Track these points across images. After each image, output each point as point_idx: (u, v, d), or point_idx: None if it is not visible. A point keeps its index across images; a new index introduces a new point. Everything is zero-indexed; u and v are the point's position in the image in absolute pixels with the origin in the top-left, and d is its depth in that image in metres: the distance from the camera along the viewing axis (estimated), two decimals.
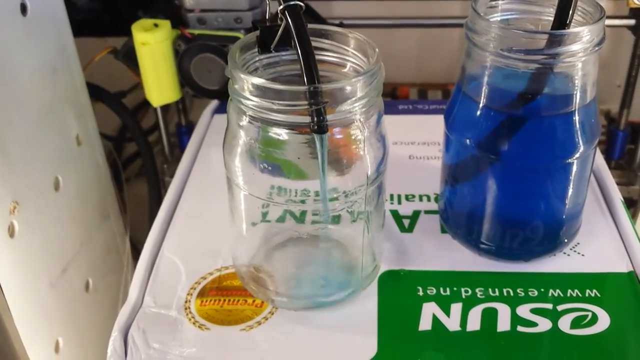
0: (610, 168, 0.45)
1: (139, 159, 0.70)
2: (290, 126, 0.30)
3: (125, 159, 0.70)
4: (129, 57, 0.50)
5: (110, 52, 0.52)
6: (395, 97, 0.67)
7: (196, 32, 0.49)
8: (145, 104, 0.68)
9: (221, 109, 0.51)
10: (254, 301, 0.35)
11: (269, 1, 0.35)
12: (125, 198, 0.62)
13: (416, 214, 0.40)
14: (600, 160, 0.44)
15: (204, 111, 0.50)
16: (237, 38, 0.49)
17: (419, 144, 0.46)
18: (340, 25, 0.53)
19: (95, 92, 0.54)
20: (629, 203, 0.60)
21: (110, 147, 0.64)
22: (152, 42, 0.48)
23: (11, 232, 0.41)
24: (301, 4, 0.31)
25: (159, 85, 0.50)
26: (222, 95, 0.51)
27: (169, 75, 0.50)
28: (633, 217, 0.56)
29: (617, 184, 0.43)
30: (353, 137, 0.31)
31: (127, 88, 0.64)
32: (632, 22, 0.54)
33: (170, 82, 0.50)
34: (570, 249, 0.37)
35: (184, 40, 0.49)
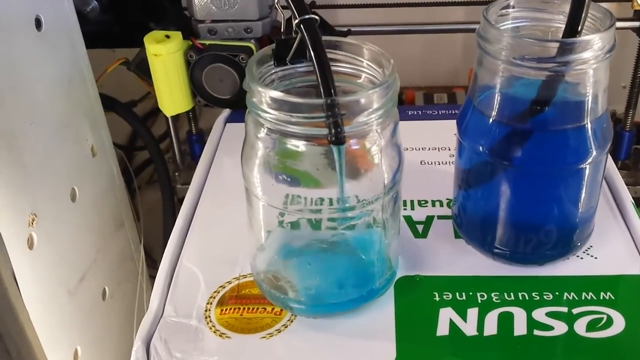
0: (617, 168, 0.46)
1: (149, 166, 0.71)
2: (308, 138, 0.30)
3: (135, 167, 0.70)
4: (141, 67, 0.51)
5: (123, 63, 0.53)
6: (401, 101, 0.68)
7: (207, 42, 0.50)
8: (155, 111, 0.69)
9: (233, 118, 0.51)
10: (273, 309, 0.35)
11: (284, 14, 0.36)
12: (138, 206, 0.62)
13: (429, 220, 0.41)
14: (610, 162, 0.44)
15: (216, 120, 0.51)
16: (248, 47, 0.49)
17: (430, 150, 0.47)
18: (348, 32, 0.54)
19: (108, 103, 0.54)
20: (636, 202, 0.60)
21: (121, 155, 0.64)
22: (164, 53, 0.48)
23: (30, 244, 0.42)
24: (316, 17, 0.31)
25: (172, 95, 0.50)
26: (234, 104, 0.52)
27: (181, 86, 0.50)
28: None
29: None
30: (369, 147, 0.32)
31: (138, 97, 0.64)
32: (636, 24, 0.55)
33: (183, 92, 0.51)
34: (584, 252, 0.38)
35: (195, 51, 0.50)
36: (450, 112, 0.51)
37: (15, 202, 0.40)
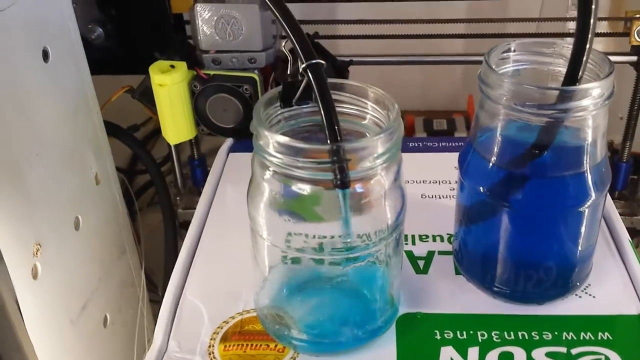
0: (613, 198, 0.46)
1: (150, 188, 0.71)
2: (314, 182, 0.31)
3: (136, 188, 0.71)
4: (145, 96, 0.52)
5: (127, 91, 0.53)
6: None
7: (211, 72, 0.50)
8: (157, 132, 0.69)
9: (236, 147, 0.52)
10: (276, 346, 0.36)
11: (290, 55, 0.37)
12: (139, 229, 0.63)
13: (430, 255, 0.41)
14: (607, 200, 0.45)
15: (219, 150, 0.51)
16: (252, 78, 0.50)
17: (431, 183, 0.47)
18: (351, 63, 0.54)
19: (110, 129, 0.55)
20: (633, 233, 0.61)
21: (122, 178, 0.65)
22: (169, 83, 0.49)
23: (34, 274, 0.42)
24: (323, 62, 0.32)
25: (176, 124, 0.51)
26: (237, 134, 0.52)
27: (185, 115, 0.51)
28: (637, 246, 0.57)
29: (620, 214, 0.44)
30: (374, 190, 0.32)
31: (140, 121, 0.65)
32: (634, 58, 0.56)
33: (187, 121, 0.51)
34: (582, 291, 0.38)
35: (199, 81, 0.50)
36: (450, 144, 0.51)
37: (20, 233, 0.41)
